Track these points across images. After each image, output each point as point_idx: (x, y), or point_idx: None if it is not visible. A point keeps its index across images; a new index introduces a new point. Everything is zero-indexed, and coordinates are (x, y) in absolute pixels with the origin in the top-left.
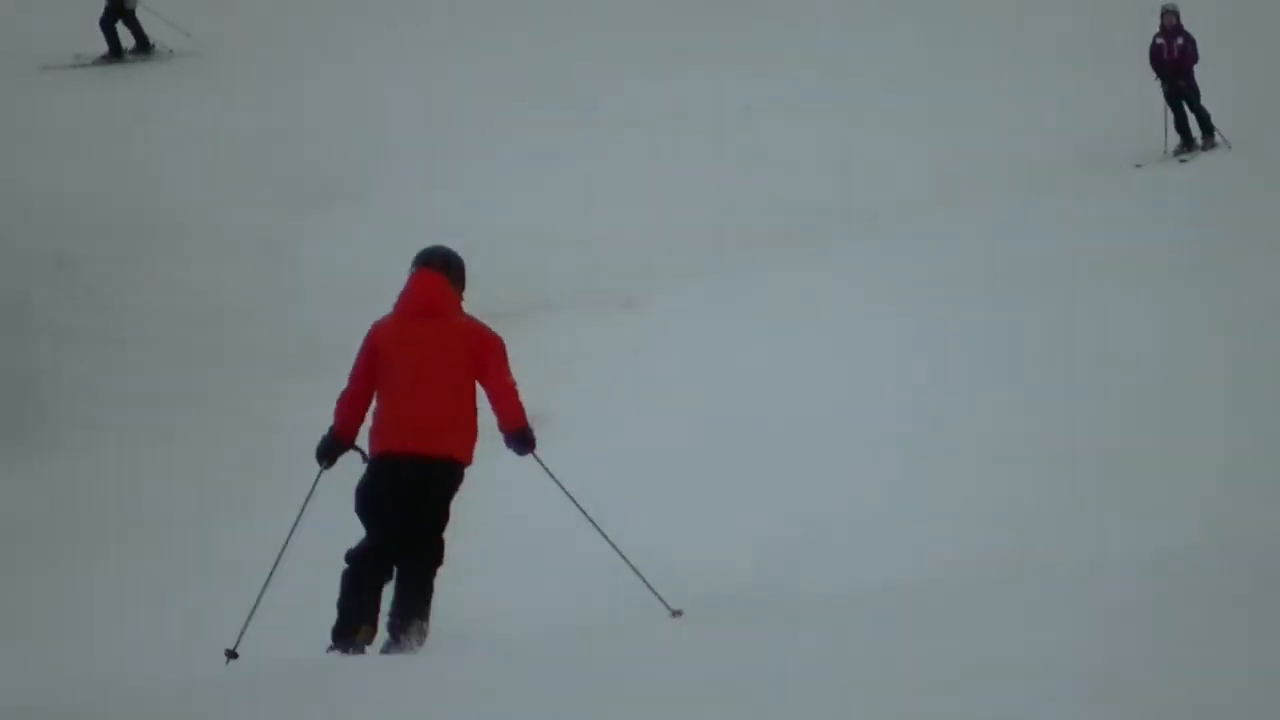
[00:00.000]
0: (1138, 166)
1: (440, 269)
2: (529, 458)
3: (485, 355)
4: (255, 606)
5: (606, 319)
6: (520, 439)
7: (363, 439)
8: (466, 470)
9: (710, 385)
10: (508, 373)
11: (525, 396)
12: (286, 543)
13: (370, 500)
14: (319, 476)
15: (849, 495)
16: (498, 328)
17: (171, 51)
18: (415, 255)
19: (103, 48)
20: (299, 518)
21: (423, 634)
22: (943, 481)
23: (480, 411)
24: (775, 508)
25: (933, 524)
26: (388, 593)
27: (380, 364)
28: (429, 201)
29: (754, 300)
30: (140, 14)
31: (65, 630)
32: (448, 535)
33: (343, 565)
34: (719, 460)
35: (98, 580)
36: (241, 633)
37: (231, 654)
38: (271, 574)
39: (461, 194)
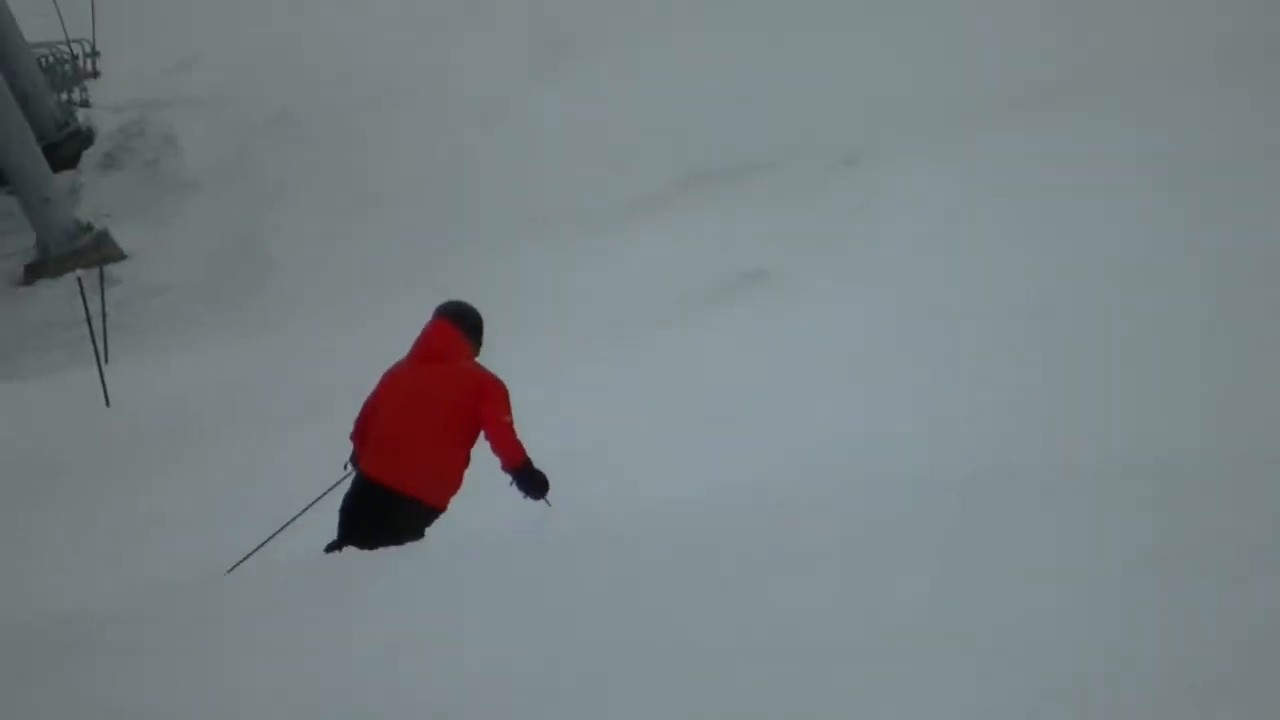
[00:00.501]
0: None
1: (454, 320)
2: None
3: (481, 399)
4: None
5: (829, 175)
6: (522, 476)
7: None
8: (440, 513)
9: (933, 249)
10: (505, 413)
11: (748, 251)
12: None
13: (349, 509)
14: (346, 474)
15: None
16: (712, 186)
17: None
18: (436, 306)
19: None
20: (315, 501)
21: None
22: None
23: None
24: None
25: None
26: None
27: (382, 401)
28: (651, 61)
29: (981, 159)
30: None
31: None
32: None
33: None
34: (930, 332)
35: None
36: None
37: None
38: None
39: (683, 51)
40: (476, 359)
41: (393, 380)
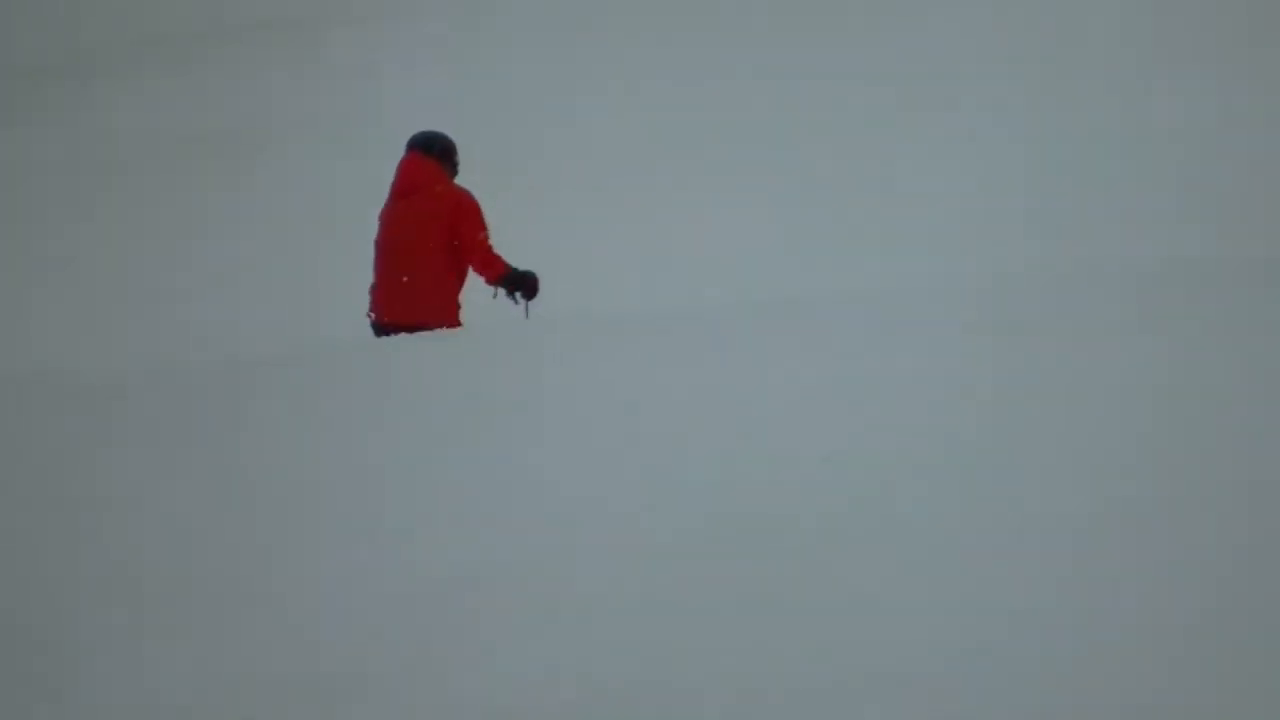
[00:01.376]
0: None
1: (422, 149)
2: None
3: (456, 218)
4: None
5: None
6: (508, 281)
7: None
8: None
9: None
10: (479, 229)
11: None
12: None
13: None
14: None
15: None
16: None
17: None
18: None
19: None
20: None
21: None
22: None
23: None
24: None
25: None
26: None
27: (376, 245)
28: None
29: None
30: None
31: None
32: None
33: None
34: None
35: None
36: None
37: None
38: None
39: None
40: (454, 180)
41: (381, 222)
